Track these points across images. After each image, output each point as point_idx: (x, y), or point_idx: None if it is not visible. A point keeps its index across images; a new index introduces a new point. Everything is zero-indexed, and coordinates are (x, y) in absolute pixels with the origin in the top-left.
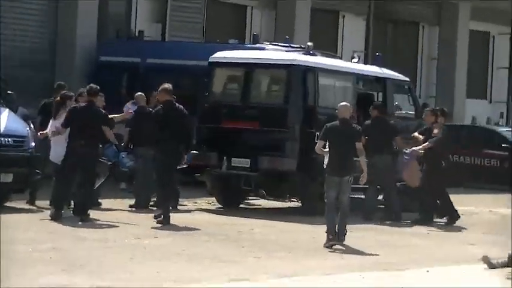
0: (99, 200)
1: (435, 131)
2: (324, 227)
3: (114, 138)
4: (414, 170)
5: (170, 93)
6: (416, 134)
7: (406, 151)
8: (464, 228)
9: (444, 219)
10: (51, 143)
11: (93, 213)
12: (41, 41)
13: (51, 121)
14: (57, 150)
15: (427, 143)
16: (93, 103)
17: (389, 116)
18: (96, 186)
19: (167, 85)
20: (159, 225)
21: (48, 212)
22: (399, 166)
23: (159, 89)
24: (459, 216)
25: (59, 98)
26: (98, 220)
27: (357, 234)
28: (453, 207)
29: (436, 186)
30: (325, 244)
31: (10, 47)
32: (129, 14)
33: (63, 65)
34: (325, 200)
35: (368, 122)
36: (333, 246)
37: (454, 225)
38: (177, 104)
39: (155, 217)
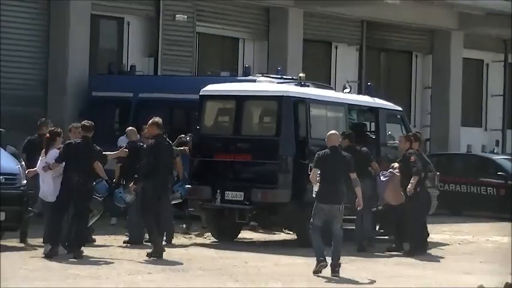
0: (93, 237)
1: (412, 158)
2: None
3: (104, 173)
4: (395, 187)
5: (160, 127)
6: (396, 164)
7: (384, 173)
8: (461, 257)
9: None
10: (39, 180)
11: (87, 250)
12: (33, 77)
13: (40, 158)
14: (45, 188)
15: (413, 178)
16: (87, 139)
17: (380, 144)
18: (91, 223)
19: (157, 119)
20: (154, 260)
21: (41, 249)
22: (379, 188)
23: (150, 123)
24: (425, 250)
25: (48, 135)
26: (92, 257)
27: (351, 265)
28: (422, 238)
29: (414, 213)
30: (314, 270)
31: (1, 83)
32: (121, 49)
33: (55, 100)
34: (310, 226)
35: None
36: (321, 271)
37: (426, 253)
38: (167, 138)
39: (148, 255)
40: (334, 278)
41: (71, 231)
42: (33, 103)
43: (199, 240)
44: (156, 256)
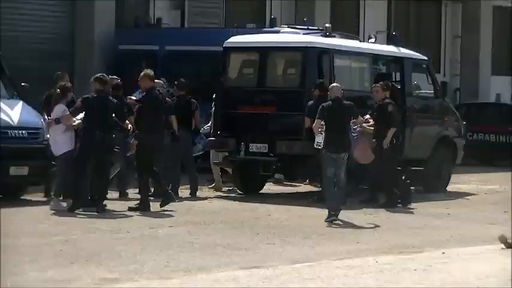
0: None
1: (389, 107)
2: (342, 212)
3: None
4: (365, 147)
5: (153, 79)
6: (367, 116)
7: (355, 128)
8: (486, 208)
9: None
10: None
11: (109, 204)
12: (59, 32)
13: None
14: (52, 142)
15: (390, 130)
16: (103, 92)
17: (405, 94)
18: (112, 176)
19: (149, 71)
20: (176, 213)
21: (63, 203)
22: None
23: (141, 75)
24: (409, 202)
25: (58, 90)
26: (114, 211)
27: (374, 216)
28: (394, 190)
29: (388, 164)
30: (326, 219)
31: (29, 38)
32: (147, 2)
33: (82, 54)
34: (324, 177)
35: (311, 102)
36: (334, 222)
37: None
38: (159, 91)
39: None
40: (342, 224)
41: (93, 185)
42: (60, 58)
43: (224, 193)
44: (140, 210)
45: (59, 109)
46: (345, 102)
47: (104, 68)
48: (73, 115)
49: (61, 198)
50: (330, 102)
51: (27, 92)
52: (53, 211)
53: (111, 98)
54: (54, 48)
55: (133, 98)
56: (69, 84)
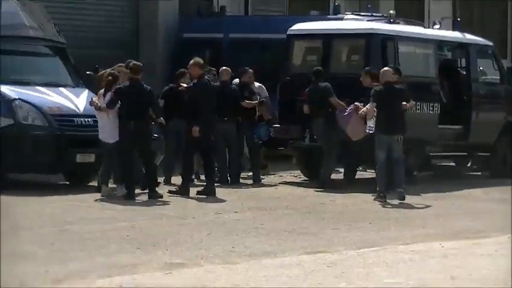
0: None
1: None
2: (408, 197)
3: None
4: (358, 123)
5: (202, 67)
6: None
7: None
8: None
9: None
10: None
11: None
12: (124, 20)
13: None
14: (101, 129)
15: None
16: (137, 80)
17: (471, 80)
18: (158, 163)
19: (198, 59)
20: (240, 198)
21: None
22: (341, 121)
23: (191, 63)
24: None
25: (110, 77)
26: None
27: (439, 201)
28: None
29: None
30: (375, 198)
31: (93, 27)
32: None
33: (146, 43)
34: (376, 160)
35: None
36: (386, 201)
37: None
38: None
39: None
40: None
41: (143, 173)
42: (125, 46)
43: (289, 178)
44: (180, 194)
45: (107, 97)
46: (396, 86)
47: (168, 56)
48: (109, 107)
49: (112, 185)
50: (381, 86)
51: (93, 80)
52: (119, 197)
53: (145, 86)
54: (118, 37)
55: (185, 85)
56: (116, 72)
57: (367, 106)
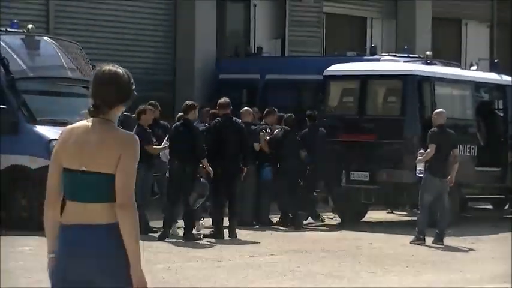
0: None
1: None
2: (447, 239)
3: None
4: None
5: (227, 107)
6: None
7: None
8: None
9: None
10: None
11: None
12: (161, 62)
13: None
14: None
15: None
16: (188, 120)
17: (508, 122)
18: (197, 206)
19: (224, 98)
20: (276, 242)
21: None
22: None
23: (219, 103)
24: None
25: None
26: (209, 240)
27: (476, 245)
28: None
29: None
30: (412, 241)
31: (131, 68)
32: (248, 31)
33: (183, 84)
34: (421, 203)
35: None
36: (422, 245)
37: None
38: (234, 118)
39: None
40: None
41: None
42: (162, 87)
43: (326, 220)
44: (214, 237)
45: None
46: (449, 130)
47: (205, 97)
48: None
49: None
50: (435, 128)
51: (131, 120)
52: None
53: (195, 125)
54: (155, 77)
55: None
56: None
57: (428, 150)
